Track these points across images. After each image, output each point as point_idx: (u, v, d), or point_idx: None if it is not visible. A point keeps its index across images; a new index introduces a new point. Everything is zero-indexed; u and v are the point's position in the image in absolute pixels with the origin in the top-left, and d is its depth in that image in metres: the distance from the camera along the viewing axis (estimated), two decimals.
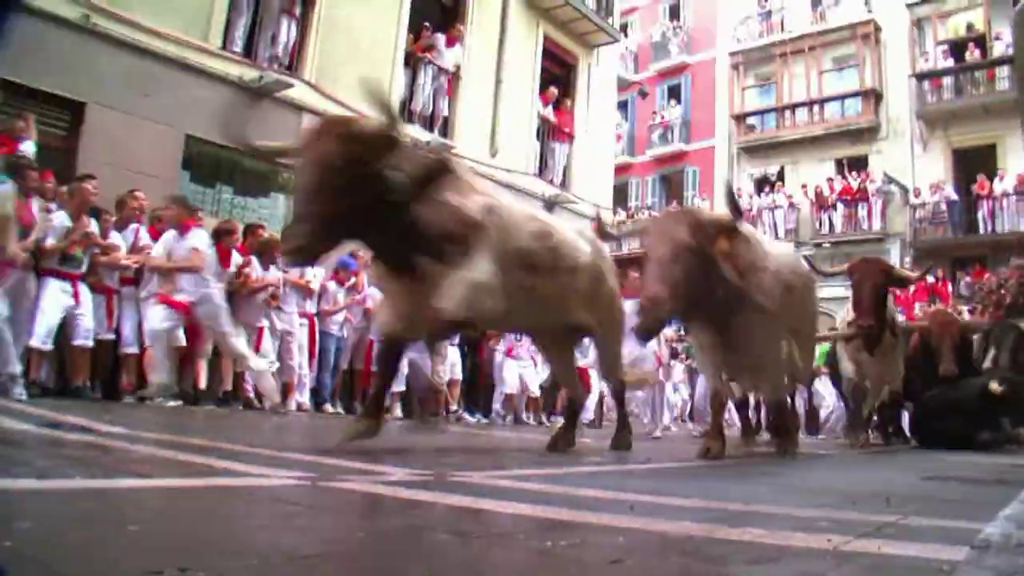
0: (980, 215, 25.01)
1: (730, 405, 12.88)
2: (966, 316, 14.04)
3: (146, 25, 11.94)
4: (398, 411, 12.36)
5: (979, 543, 1.75)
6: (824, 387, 16.05)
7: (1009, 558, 1.55)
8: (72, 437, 4.71)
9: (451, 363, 13.08)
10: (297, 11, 14.24)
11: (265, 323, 10.80)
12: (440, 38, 17.04)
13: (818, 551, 2.26)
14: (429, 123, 16.64)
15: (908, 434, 12.43)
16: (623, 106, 31.14)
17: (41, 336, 8.95)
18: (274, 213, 13.65)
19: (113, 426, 5.47)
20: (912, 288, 21.81)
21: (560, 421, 10.22)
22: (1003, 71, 25.41)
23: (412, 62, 16.34)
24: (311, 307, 11.68)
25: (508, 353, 13.78)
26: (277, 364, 10.88)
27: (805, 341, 8.89)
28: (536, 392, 14.46)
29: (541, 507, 2.93)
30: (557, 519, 2.72)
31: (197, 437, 5.11)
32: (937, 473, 6.18)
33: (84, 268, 9.43)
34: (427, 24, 16.70)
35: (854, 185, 27.16)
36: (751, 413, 12.68)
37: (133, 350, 9.96)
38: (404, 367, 12.18)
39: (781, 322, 7.23)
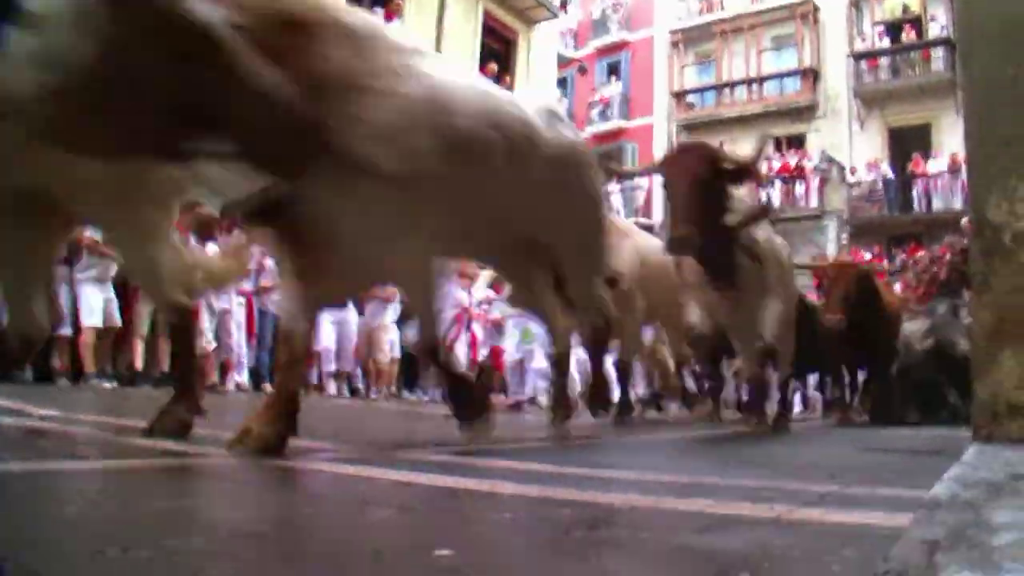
0: (915, 194, 25.40)
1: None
2: (896, 290, 14.22)
3: None
4: (333, 389, 12.33)
5: (928, 502, 1.77)
6: None
7: (958, 515, 1.57)
8: (6, 421, 4.62)
9: (390, 340, 12.99)
10: None
11: (202, 301, 10.69)
12: (378, 13, 16.87)
13: (764, 519, 2.27)
14: None
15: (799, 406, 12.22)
16: (562, 83, 31.15)
17: None
18: None
19: (48, 409, 5.38)
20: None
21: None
22: (938, 52, 25.84)
23: None
24: (248, 285, 11.54)
25: None
26: (215, 343, 10.80)
27: (579, 265, 5.71)
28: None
29: (485, 481, 2.92)
30: (502, 492, 2.72)
31: (135, 419, 5.04)
32: (875, 445, 6.28)
33: None
34: (366, 1, 16.53)
35: (792, 163, 27.47)
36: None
37: (66, 332, 9.80)
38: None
39: (428, 203, 3.79)
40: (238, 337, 11.27)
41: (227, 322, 11.12)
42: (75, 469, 2.92)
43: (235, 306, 11.29)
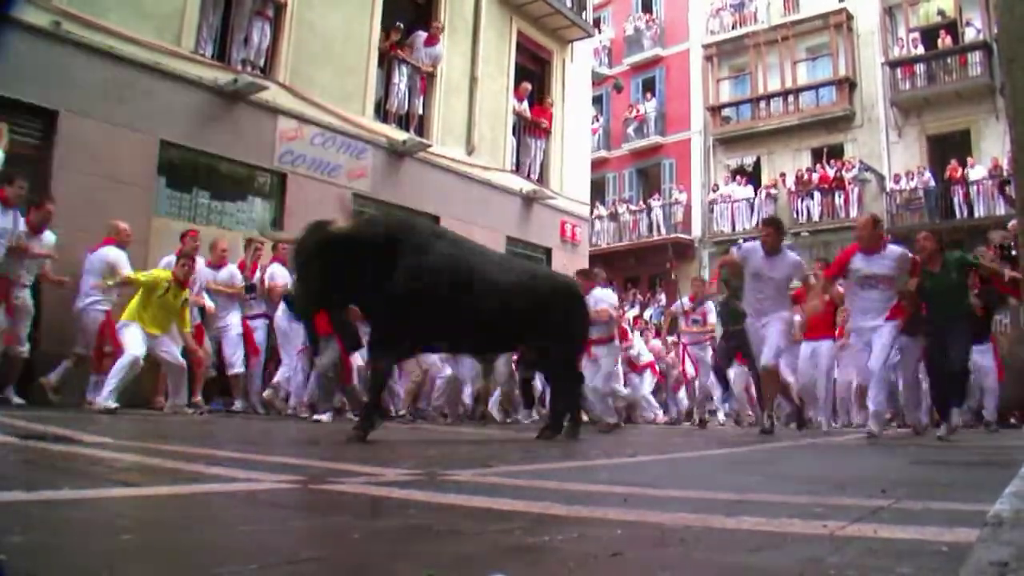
0: (956, 200, 25.14)
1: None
2: None
3: (118, 30, 11.83)
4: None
5: (991, 520, 1.74)
6: None
7: None
8: (57, 448, 4.67)
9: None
10: (269, 13, 14.16)
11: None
12: (420, 36, 16.99)
13: (816, 536, 2.26)
14: (405, 122, 16.60)
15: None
16: (598, 100, 31.15)
17: None
18: (251, 217, 13.57)
19: (98, 436, 5.44)
20: None
21: None
22: (975, 57, 25.61)
23: (386, 61, 16.29)
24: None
25: None
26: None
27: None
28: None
29: (535, 503, 2.93)
30: (552, 514, 2.71)
31: (180, 444, 5.08)
32: (925, 458, 6.22)
33: None
34: (399, 24, 16.62)
35: (831, 173, 27.32)
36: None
37: None
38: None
39: None
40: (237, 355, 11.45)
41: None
42: (128, 495, 2.96)
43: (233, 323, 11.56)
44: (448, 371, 12.96)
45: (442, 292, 6.86)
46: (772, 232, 10.13)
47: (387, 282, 6.60)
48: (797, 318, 11.89)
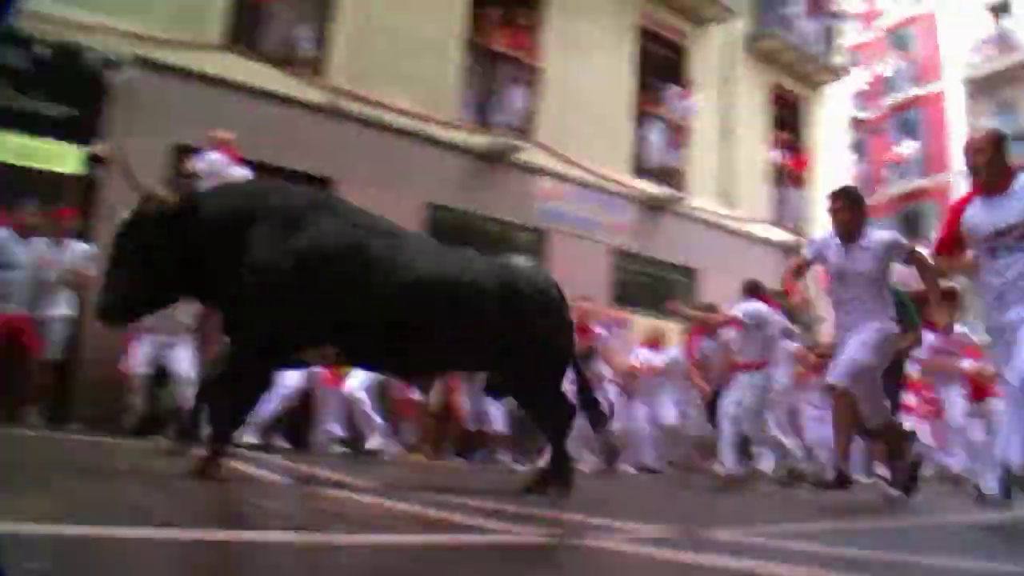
0: None
1: None
2: None
3: (386, 103, 12.62)
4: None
5: None
6: None
7: None
8: (331, 493, 4.94)
9: None
10: (527, 77, 14.66)
11: None
12: (674, 90, 17.15)
13: None
14: (661, 176, 16.68)
15: None
16: (855, 145, 30.33)
17: None
18: None
19: (368, 481, 5.67)
20: None
21: None
22: None
23: (640, 116, 16.50)
24: None
25: None
26: None
27: None
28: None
29: (796, 567, 2.84)
30: None
31: (438, 492, 5.16)
32: None
33: None
34: (653, 79, 16.82)
35: None
36: None
37: None
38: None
39: None
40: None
41: None
42: (381, 543, 3.06)
43: None
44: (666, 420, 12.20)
45: (318, 281, 5.04)
46: (843, 206, 7.09)
47: (240, 269, 4.92)
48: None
